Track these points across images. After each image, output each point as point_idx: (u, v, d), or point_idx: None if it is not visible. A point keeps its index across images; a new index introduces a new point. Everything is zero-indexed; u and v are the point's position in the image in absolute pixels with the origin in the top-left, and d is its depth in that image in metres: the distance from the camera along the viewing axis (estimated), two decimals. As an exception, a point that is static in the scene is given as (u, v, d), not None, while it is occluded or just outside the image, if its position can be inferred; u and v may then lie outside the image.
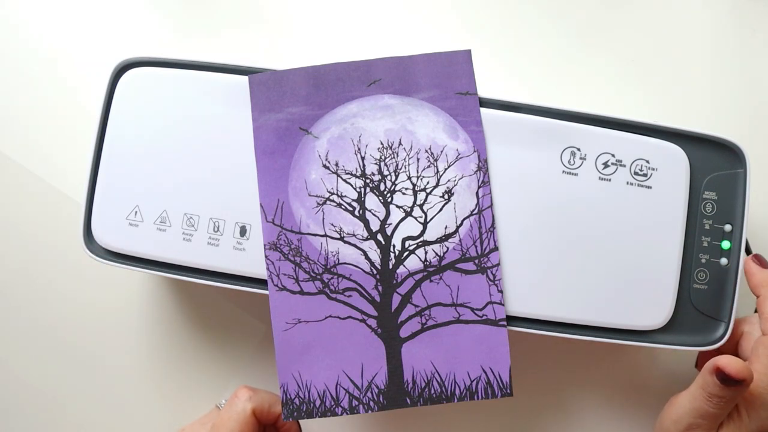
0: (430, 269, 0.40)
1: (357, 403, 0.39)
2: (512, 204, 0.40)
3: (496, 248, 0.39)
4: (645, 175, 0.40)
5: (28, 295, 0.49)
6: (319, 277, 0.39)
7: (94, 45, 0.50)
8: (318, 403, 0.39)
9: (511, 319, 0.40)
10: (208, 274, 0.41)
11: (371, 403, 0.39)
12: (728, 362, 0.36)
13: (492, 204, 0.40)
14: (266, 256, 0.39)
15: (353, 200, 0.40)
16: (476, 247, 0.39)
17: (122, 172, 0.41)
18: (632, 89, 0.50)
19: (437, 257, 0.40)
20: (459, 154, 0.40)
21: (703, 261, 0.41)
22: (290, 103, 0.40)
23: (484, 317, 0.39)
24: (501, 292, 0.39)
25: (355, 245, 0.40)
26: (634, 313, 0.40)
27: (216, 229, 0.40)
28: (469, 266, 0.40)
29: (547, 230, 0.40)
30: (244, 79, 0.40)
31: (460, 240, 0.40)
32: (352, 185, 0.40)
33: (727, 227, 0.41)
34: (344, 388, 0.39)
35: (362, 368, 0.39)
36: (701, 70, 0.51)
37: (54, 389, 0.49)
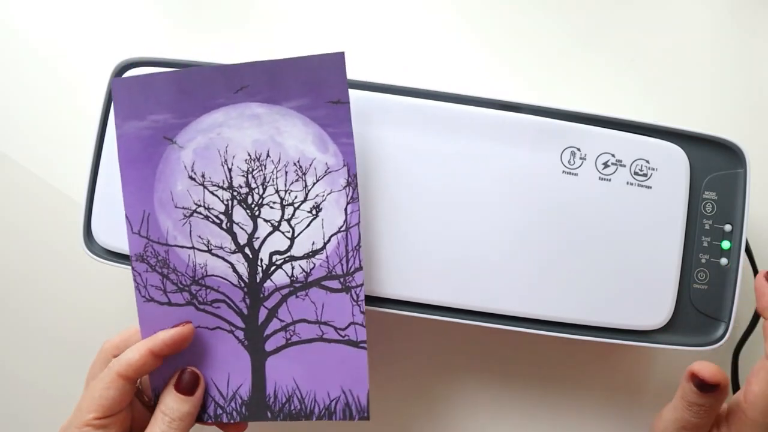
0: (297, 285, 0.39)
1: (221, 411, 0.39)
2: (512, 204, 0.40)
3: (360, 267, 0.38)
4: (645, 175, 0.40)
5: (28, 295, 0.49)
6: (187, 288, 0.39)
7: (94, 45, 0.50)
8: None
9: (512, 319, 0.40)
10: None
11: (234, 413, 0.39)
12: (702, 366, 0.35)
13: (359, 221, 0.38)
14: (133, 268, 0.39)
15: (220, 213, 0.38)
16: (342, 265, 0.38)
17: (122, 172, 0.40)
18: (632, 89, 0.50)
19: (304, 273, 0.39)
20: (328, 168, 0.38)
21: (703, 261, 0.41)
22: (154, 110, 0.38)
23: (347, 338, 0.38)
24: (363, 313, 0.38)
25: (223, 258, 0.39)
26: (634, 313, 0.40)
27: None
28: (335, 284, 0.38)
29: (547, 230, 0.40)
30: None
31: (327, 257, 0.38)
32: (219, 197, 0.38)
33: (727, 227, 0.41)
34: (211, 396, 0.39)
35: (229, 378, 0.39)
36: (701, 70, 0.51)
37: (54, 389, 0.49)
